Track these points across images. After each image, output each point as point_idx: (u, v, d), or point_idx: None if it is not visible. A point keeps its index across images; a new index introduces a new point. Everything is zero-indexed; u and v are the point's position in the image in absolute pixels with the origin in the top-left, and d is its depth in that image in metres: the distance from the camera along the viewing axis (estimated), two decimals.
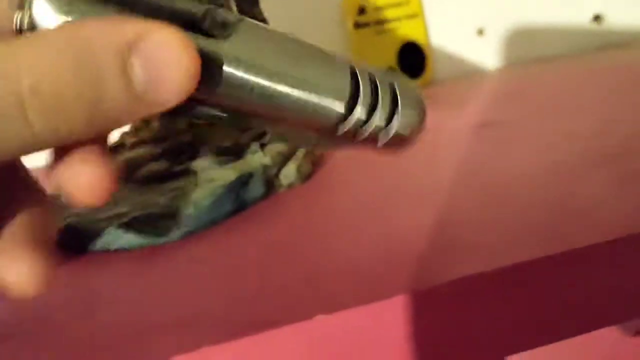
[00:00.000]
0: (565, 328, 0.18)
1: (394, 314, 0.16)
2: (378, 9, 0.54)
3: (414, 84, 0.17)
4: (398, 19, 0.54)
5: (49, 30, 0.13)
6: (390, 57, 0.54)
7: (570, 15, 0.58)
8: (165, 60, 0.13)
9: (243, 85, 0.15)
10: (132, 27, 0.13)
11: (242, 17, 0.15)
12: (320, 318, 0.16)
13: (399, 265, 0.18)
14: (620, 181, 0.21)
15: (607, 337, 0.41)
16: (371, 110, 0.17)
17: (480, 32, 0.57)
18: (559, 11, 0.58)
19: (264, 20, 0.32)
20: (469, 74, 0.56)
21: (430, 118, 0.41)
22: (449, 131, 0.35)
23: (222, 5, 0.14)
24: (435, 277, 0.17)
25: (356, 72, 0.16)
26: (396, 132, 0.17)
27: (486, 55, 0.57)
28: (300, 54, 0.16)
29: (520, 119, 0.34)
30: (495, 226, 0.19)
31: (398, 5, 0.55)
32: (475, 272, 0.17)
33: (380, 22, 0.54)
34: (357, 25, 0.54)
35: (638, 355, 0.42)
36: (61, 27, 0.13)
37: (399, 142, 0.17)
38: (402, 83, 0.17)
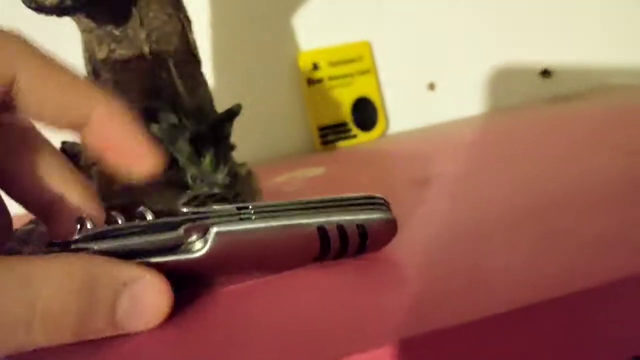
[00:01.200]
0: None
1: None
2: (331, 64, 0.55)
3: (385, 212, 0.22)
4: (351, 74, 0.56)
5: (68, 256, 0.17)
6: (343, 111, 0.56)
7: (519, 69, 0.61)
8: (147, 299, 0.17)
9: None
10: (128, 271, 0.17)
11: (216, 231, 0.19)
12: None
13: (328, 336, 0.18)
14: (534, 242, 0.22)
15: None
16: (341, 252, 0.21)
17: (432, 86, 0.59)
18: (508, 65, 0.60)
19: (203, 81, 0.32)
20: (421, 127, 0.58)
21: (376, 172, 0.41)
22: (391, 185, 0.36)
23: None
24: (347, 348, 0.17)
25: (326, 231, 0.21)
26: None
27: (437, 108, 0.58)
28: (268, 244, 0.20)
29: (459, 174, 0.35)
30: (411, 290, 0.20)
31: (351, 61, 0.56)
32: (381, 342, 0.17)
33: (334, 77, 0.56)
34: (311, 82, 0.55)
35: None
36: (78, 257, 0.17)
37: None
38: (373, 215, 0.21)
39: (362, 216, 0.21)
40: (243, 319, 0.20)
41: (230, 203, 0.29)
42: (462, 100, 0.59)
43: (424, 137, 0.53)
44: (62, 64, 0.18)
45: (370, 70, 0.56)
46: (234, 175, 0.31)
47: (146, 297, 0.17)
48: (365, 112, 0.56)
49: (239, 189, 0.30)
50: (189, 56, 0.32)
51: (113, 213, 0.20)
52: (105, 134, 0.19)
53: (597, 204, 0.25)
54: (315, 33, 0.56)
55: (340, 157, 0.50)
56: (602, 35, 0.62)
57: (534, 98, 0.61)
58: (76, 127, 0.19)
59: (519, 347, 0.18)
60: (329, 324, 0.18)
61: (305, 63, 0.55)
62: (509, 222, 0.24)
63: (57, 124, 0.19)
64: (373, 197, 0.22)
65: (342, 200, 0.21)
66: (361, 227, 0.21)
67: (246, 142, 0.55)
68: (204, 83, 0.32)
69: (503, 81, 0.60)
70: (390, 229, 0.22)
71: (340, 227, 0.21)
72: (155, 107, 0.29)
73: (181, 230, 0.19)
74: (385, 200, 0.22)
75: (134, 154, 0.20)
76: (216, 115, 0.31)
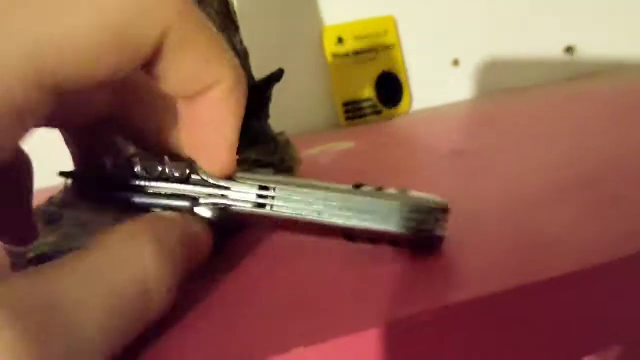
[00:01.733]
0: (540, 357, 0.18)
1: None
2: (356, 39, 0.55)
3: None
4: (375, 49, 0.55)
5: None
6: (368, 87, 0.55)
7: (542, 46, 0.60)
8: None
9: None
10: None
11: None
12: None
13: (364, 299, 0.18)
14: (594, 207, 0.21)
15: None
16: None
17: (456, 62, 0.58)
18: (532, 43, 0.60)
19: (244, 50, 0.32)
20: (445, 103, 0.57)
21: (406, 146, 0.41)
22: (421, 160, 0.36)
23: None
24: (403, 309, 0.16)
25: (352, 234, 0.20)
26: None
27: (461, 84, 0.58)
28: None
29: (492, 148, 0.34)
30: (464, 256, 0.19)
31: (376, 35, 0.56)
32: (442, 304, 0.16)
33: (358, 52, 0.55)
34: (336, 55, 0.54)
35: None
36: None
37: None
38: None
39: (401, 225, 0.18)
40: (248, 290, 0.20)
41: (275, 168, 0.29)
42: (486, 77, 0.59)
43: (449, 113, 0.53)
44: (209, 26, 0.17)
45: (395, 45, 0.56)
46: (275, 141, 0.31)
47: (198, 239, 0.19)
48: (390, 88, 0.56)
49: (282, 155, 0.30)
50: (229, 22, 0.31)
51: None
52: (200, 120, 0.19)
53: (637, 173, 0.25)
54: (340, 7, 0.55)
55: (367, 132, 0.50)
56: (626, 11, 0.62)
57: (558, 75, 0.60)
58: (188, 98, 0.18)
59: (573, 310, 0.17)
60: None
61: (330, 37, 0.54)
62: (556, 192, 0.24)
63: (175, 92, 0.18)
64: (430, 205, 0.19)
65: (390, 196, 0.19)
66: (394, 239, 0.19)
67: (271, 114, 0.55)
68: (243, 48, 0.32)
69: (526, 58, 0.60)
70: (432, 243, 0.19)
71: (370, 234, 0.19)
72: None
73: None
74: (443, 210, 0.19)
75: (214, 153, 0.19)
76: (257, 80, 0.31)
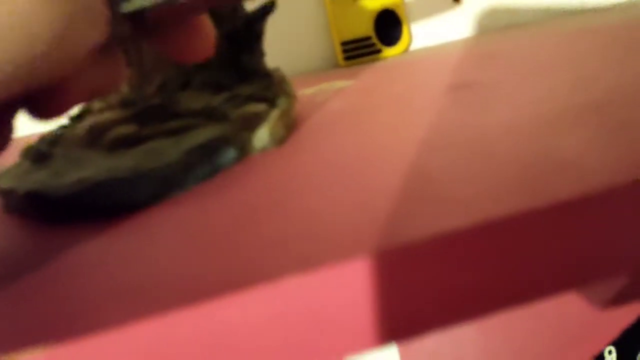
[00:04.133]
0: (550, 284, 0.17)
1: (362, 272, 0.16)
2: None
3: None
4: None
5: None
6: (367, 25, 0.54)
7: None
8: None
9: None
10: None
11: None
12: (288, 279, 0.15)
13: (371, 222, 0.17)
14: (606, 131, 0.21)
15: (574, 312, 0.41)
16: None
17: None
18: None
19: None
20: (446, 41, 0.56)
21: (408, 81, 0.40)
22: (426, 92, 0.35)
23: None
24: (412, 232, 0.16)
25: None
26: None
27: (462, 22, 0.56)
28: None
29: (498, 79, 0.34)
30: (476, 180, 0.19)
31: None
32: (454, 226, 0.16)
33: None
34: None
35: (611, 330, 0.41)
36: None
37: None
38: None
39: None
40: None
41: (269, 104, 0.28)
42: (488, 14, 0.57)
43: (451, 50, 0.51)
44: None
45: None
46: (269, 77, 0.30)
47: None
48: (389, 26, 0.54)
49: (276, 90, 0.29)
50: None
51: None
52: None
53: None
54: None
55: (366, 71, 0.49)
56: None
57: (563, 10, 0.58)
58: None
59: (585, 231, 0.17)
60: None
61: None
62: (562, 118, 0.23)
63: None
64: None
65: None
66: None
67: (267, 57, 0.53)
68: None
69: None
70: None
71: None
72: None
73: None
74: None
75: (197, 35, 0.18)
76: (249, 12, 0.30)
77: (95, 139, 0.25)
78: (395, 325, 0.16)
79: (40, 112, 0.18)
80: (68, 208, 0.22)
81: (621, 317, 0.38)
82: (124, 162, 0.23)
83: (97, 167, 0.23)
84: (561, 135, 0.21)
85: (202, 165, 0.24)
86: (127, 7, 0.17)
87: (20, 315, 0.16)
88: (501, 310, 0.17)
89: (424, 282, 0.16)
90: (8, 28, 0.13)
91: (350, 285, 0.16)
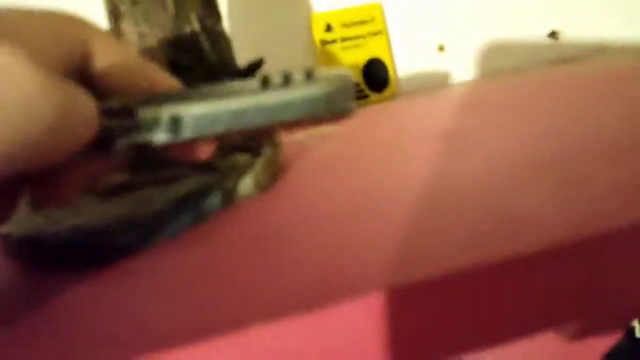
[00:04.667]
0: (504, 332, 0.19)
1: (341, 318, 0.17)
2: (344, 26, 0.56)
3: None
4: (363, 36, 0.56)
5: None
6: (355, 72, 0.56)
7: (527, 31, 0.61)
8: None
9: None
10: None
11: None
12: (264, 327, 0.17)
13: (353, 269, 0.19)
14: (564, 187, 0.23)
15: (543, 341, 0.42)
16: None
17: (441, 48, 0.59)
18: (517, 27, 0.61)
19: (224, 35, 0.33)
20: (431, 88, 0.58)
21: (392, 128, 0.42)
22: (408, 140, 0.37)
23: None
24: (377, 283, 0.18)
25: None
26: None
27: (447, 70, 0.59)
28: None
29: (475, 129, 0.35)
30: (440, 232, 0.20)
31: (363, 22, 0.56)
32: (413, 279, 0.17)
33: (346, 39, 0.56)
34: (324, 42, 0.55)
35: None
36: None
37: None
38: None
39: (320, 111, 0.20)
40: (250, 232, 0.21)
41: (253, 153, 0.30)
42: (471, 62, 0.60)
43: (435, 98, 0.54)
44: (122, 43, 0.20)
45: (382, 32, 0.57)
46: None
47: None
48: (377, 73, 0.56)
49: (260, 140, 0.31)
50: (211, 10, 0.32)
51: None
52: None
53: (608, 155, 0.26)
54: None
55: (353, 117, 0.51)
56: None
57: (542, 60, 0.61)
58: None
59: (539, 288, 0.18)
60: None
61: (318, 24, 0.55)
62: (529, 170, 0.25)
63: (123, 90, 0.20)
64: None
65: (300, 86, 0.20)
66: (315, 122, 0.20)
67: None
68: (225, 37, 0.33)
69: (511, 43, 0.61)
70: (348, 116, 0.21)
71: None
72: (181, 62, 0.30)
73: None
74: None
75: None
76: (239, 68, 0.32)
77: (91, 186, 0.27)
78: None
79: (40, 197, 0.20)
80: (61, 254, 0.24)
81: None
82: (116, 210, 0.25)
83: (90, 213, 0.25)
84: (524, 190, 0.23)
85: (187, 213, 0.26)
86: (133, 139, 0.19)
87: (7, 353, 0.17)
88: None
89: (385, 328, 0.18)
90: (13, 109, 0.15)
91: (335, 327, 0.17)
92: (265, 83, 0.20)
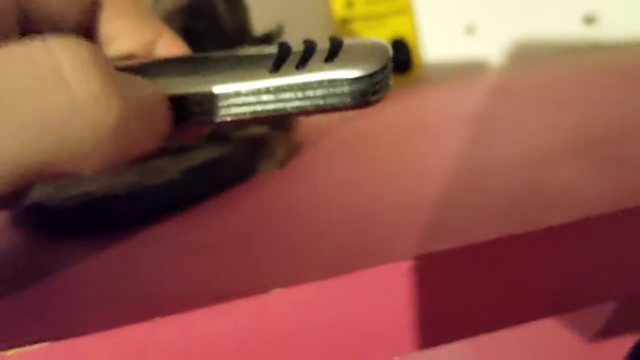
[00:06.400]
0: (534, 310, 0.17)
1: (357, 288, 0.16)
2: (366, 3, 0.54)
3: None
4: (386, 14, 0.54)
5: None
6: None
7: (561, 16, 0.58)
8: None
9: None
10: None
11: None
12: (278, 291, 0.15)
13: (370, 242, 0.18)
14: (598, 165, 0.21)
15: (561, 343, 0.40)
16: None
17: (470, 30, 0.57)
18: (550, 12, 0.58)
19: (242, 2, 0.31)
20: (457, 72, 0.56)
21: (417, 112, 0.41)
22: (433, 123, 0.35)
23: None
24: (405, 253, 0.16)
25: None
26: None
27: (475, 53, 0.57)
28: None
29: (505, 114, 0.34)
30: (466, 209, 0.19)
31: (387, 0, 0.54)
32: (441, 249, 0.16)
33: (369, 17, 0.54)
34: (344, 20, 0.53)
35: None
36: None
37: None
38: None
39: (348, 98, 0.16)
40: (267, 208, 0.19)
41: (271, 126, 0.29)
42: (500, 46, 0.58)
43: (462, 81, 0.52)
44: None
45: (407, 10, 0.55)
46: None
47: None
48: (401, 55, 0.55)
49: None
50: None
51: None
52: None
53: None
54: None
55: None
56: None
57: (576, 46, 0.58)
58: (143, 50, 0.20)
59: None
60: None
61: (339, 0, 0.53)
62: (561, 153, 0.24)
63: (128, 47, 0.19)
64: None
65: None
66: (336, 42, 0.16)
67: None
68: (242, 4, 0.31)
69: (543, 29, 0.58)
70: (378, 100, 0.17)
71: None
72: (196, 28, 0.29)
73: None
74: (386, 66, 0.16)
75: None
76: (255, 37, 0.30)
77: None
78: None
79: None
80: (69, 221, 0.23)
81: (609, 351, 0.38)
82: (126, 179, 0.24)
83: (99, 182, 0.23)
84: (558, 168, 0.22)
85: (202, 183, 0.25)
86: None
87: (19, 317, 0.16)
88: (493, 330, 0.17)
89: (408, 302, 0.16)
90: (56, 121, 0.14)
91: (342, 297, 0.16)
92: (284, 53, 0.17)
